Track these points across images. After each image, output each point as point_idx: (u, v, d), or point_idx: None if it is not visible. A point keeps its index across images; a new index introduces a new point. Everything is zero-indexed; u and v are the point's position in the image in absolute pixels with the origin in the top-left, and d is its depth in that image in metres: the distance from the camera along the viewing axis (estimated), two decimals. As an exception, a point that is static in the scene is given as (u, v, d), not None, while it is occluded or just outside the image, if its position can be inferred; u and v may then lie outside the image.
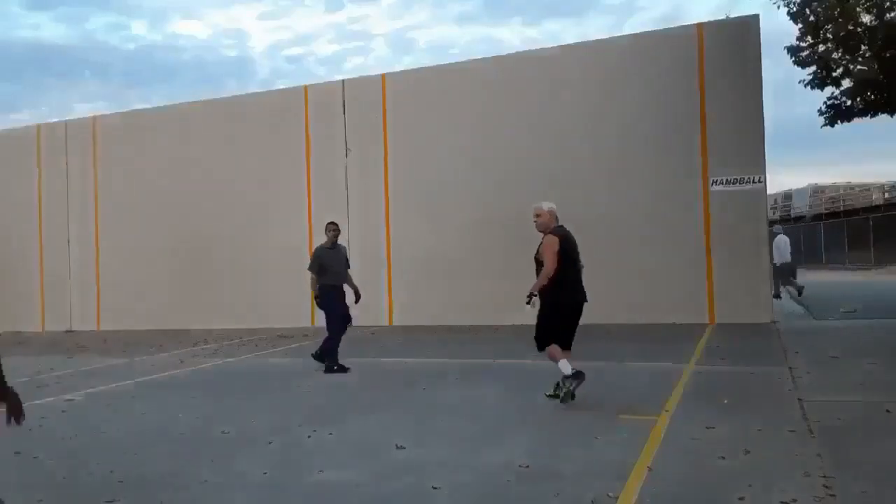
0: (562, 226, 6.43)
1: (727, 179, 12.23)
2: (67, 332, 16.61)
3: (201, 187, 16.01)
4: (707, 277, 12.29)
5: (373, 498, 3.94)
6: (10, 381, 2.76)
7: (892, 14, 11.24)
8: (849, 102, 12.62)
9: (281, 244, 15.24)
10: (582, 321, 6.31)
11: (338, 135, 14.94)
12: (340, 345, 8.62)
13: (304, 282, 15.15)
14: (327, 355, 8.49)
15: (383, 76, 14.78)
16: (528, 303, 6.04)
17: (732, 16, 13.10)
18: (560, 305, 6.11)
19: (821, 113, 13.04)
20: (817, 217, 42.91)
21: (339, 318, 8.63)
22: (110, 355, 11.34)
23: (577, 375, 5.92)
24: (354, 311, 9.03)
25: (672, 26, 13.40)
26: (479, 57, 16.98)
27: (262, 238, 15.42)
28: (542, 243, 6.27)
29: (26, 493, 4.25)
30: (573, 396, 5.94)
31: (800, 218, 46.15)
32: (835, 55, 12.11)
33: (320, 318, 14.83)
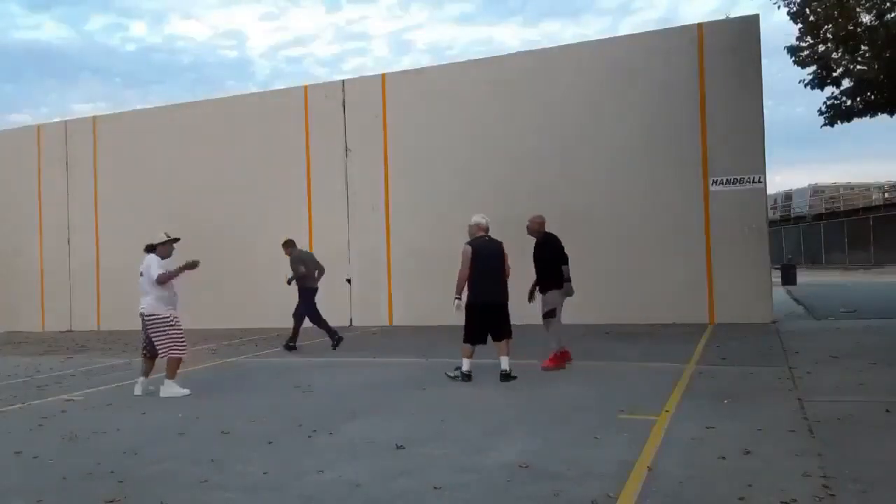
0: (483, 236, 7.58)
1: (727, 179, 12.24)
2: (67, 331, 16.61)
3: (201, 187, 16.01)
4: (707, 277, 12.30)
5: (373, 498, 3.94)
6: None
7: (893, 14, 11.23)
8: (849, 102, 12.60)
9: (281, 244, 15.21)
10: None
11: (338, 135, 14.95)
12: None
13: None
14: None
15: (383, 76, 14.79)
16: (455, 304, 7.41)
17: (732, 16, 13.11)
18: (472, 306, 7.40)
19: (821, 113, 13.03)
20: (817, 217, 42.93)
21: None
22: (110, 355, 11.34)
23: (466, 377, 7.37)
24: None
25: (671, 27, 13.42)
26: (479, 57, 16.98)
27: (262, 238, 15.40)
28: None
29: (26, 493, 4.25)
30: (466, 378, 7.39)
31: (800, 218, 46.18)
32: (835, 55, 12.09)
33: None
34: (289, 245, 11.38)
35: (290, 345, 10.92)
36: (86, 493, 4.24)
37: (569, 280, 7.96)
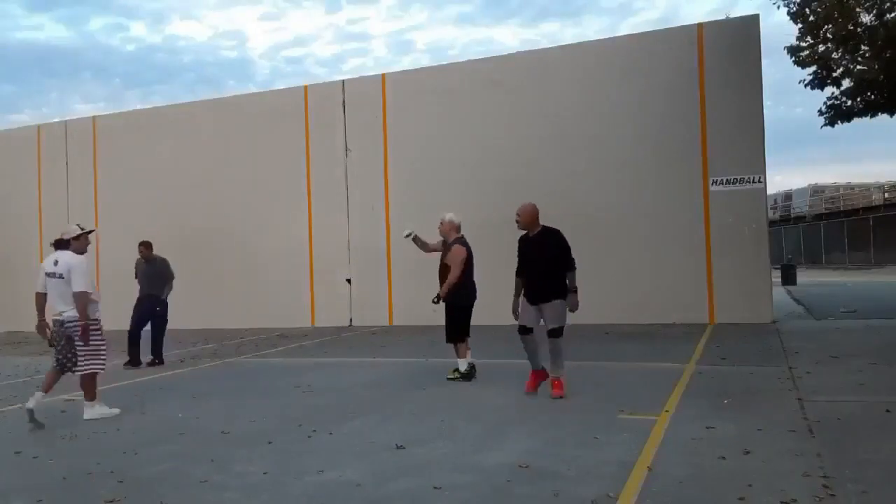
0: (462, 236, 7.58)
1: (727, 179, 12.24)
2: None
3: (201, 187, 16.01)
4: (707, 277, 12.30)
5: (373, 498, 3.94)
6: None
7: (893, 14, 11.23)
8: (849, 102, 12.62)
9: (281, 244, 15.25)
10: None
11: (338, 135, 14.95)
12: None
13: (304, 282, 15.26)
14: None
15: (383, 76, 14.79)
16: (435, 303, 7.46)
17: (732, 16, 13.12)
18: (459, 307, 7.43)
19: (821, 113, 13.05)
20: (817, 217, 42.94)
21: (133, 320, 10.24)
22: (110, 355, 11.31)
23: (467, 376, 7.38)
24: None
25: (671, 27, 13.42)
26: (479, 57, 16.97)
27: (262, 238, 15.43)
28: (448, 250, 7.51)
29: (26, 494, 4.25)
30: (469, 377, 7.40)
31: (800, 218, 46.19)
32: (835, 55, 12.11)
33: (320, 319, 14.93)
34: (150, 247, 10.38)
35: (157, 361, 10.02)
36: (86, 493, 4.24)
37: (573, 290, 6.43)
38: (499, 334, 11.34)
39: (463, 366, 7.45)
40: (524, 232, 6.75)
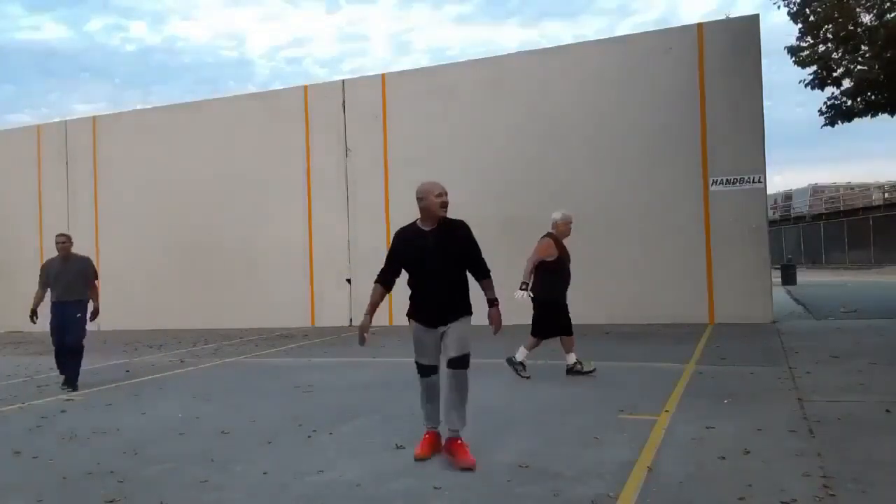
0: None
1: (727, 179, 12.25)
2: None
3: (201, 187, 16.02)
4: (707, 277, 12.30)
5: (373, 498, 3.94)
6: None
7: (893, 14, 11.24)
8: (849, 102, 12.62)
9: (281, 244, 15.25)
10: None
11: (338, 135, 14.96)
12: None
13: (304, 282, 15.27)
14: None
15: (383, 76, 14.80)
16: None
17: (732, 16, 13.13)
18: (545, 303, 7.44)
19: (821, 113, 13.05)
20: (817, 217, 42.94)
21: (54, 333, 8.18)
22: (110, 355, 11.33)
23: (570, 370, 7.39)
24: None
25: (671, 27, 13.43)
26: (479, 57, 16.96)
27: (262, 238, 15.43)
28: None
29: (26, 494, 4.25)
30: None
31: (800, 218, 46.18)
32: (835, 55, 12.12)
33: (320, 319, 14.94)
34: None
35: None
36: (86, 493, 4.24)
37: (495, 303, 4.73)
38: (500, 334, 11.31)
39: (571, 359, 7.47)
40: (411, 223, 4.94)
